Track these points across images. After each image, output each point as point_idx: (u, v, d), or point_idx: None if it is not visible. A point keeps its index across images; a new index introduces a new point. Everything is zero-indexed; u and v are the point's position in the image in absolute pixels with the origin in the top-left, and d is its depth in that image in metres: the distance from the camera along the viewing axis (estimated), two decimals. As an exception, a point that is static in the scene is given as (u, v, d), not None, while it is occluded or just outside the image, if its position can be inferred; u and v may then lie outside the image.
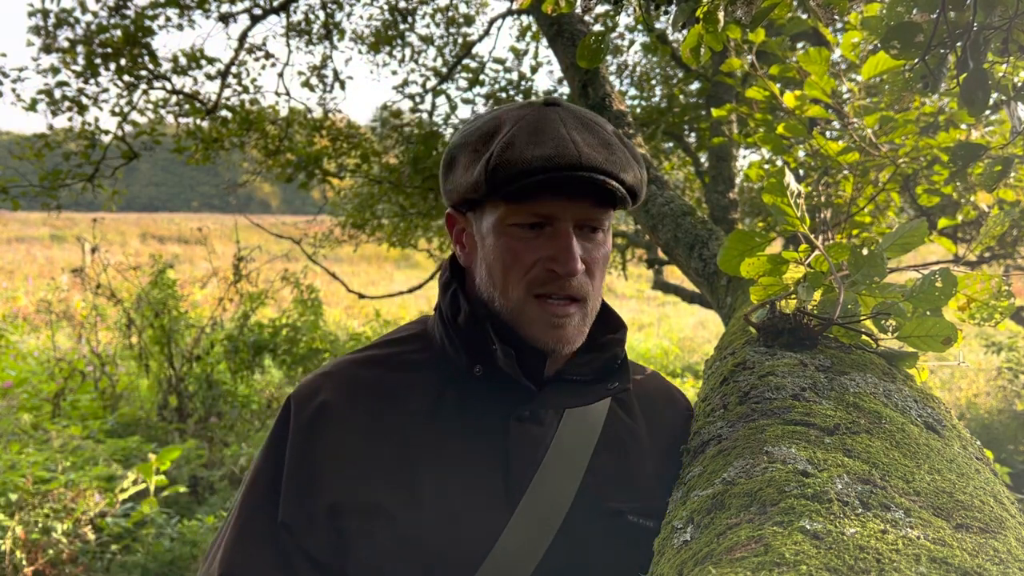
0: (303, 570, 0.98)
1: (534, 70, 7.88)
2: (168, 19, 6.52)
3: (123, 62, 6.29)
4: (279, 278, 8.19)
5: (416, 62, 8.05)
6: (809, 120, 2.70)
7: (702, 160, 6.59)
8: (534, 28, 7.20)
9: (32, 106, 6.20)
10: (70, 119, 6.45)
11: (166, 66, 6.55)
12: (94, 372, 7.16)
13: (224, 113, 6.98)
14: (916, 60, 1.28)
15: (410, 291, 8.64)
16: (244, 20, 6.95)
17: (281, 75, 7.44)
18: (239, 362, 7.38)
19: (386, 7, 7.59)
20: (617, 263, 8.50)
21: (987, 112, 2.62)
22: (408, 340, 1.14)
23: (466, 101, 7.87)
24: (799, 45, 4.63)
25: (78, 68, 6.23)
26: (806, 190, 3.06)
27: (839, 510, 0.69)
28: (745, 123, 3.56)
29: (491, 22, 7.68)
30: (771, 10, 1.78)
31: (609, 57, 6.89)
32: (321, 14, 7.36)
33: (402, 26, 7.71)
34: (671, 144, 7.09)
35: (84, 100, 6.40)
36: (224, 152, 7.37)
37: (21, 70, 6.17)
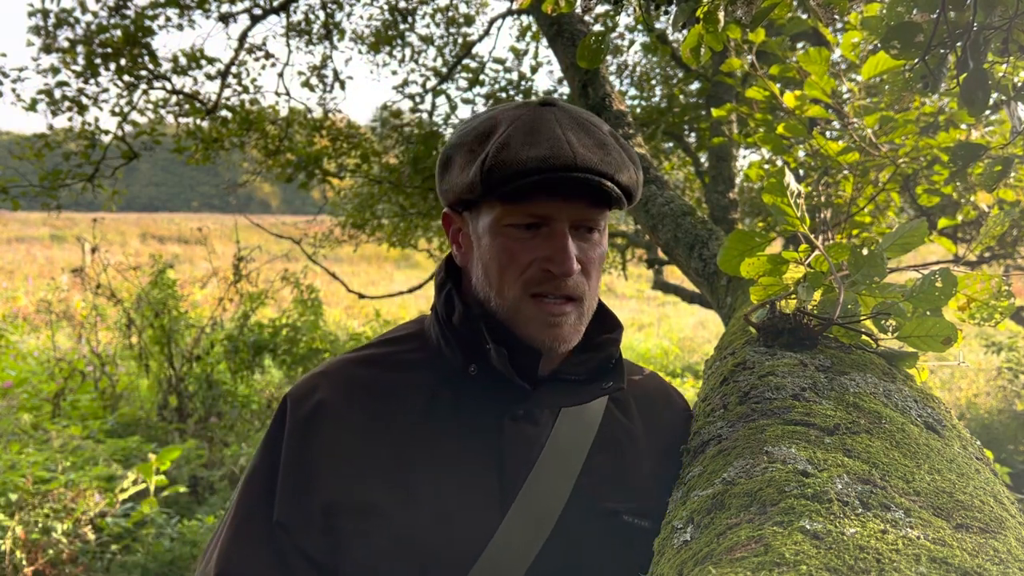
0: (299, 569, 0.99)
1: (534, 70, 7.89)
2: (168, 19, 6.52)
3: (123, 62, 6.29)
4: (279, 278, 8.19)
5: (416, 62, 8.06)
6: (809, 120, 2.70)
7: (702, 160, 6.60)
8: (534, 28, 7.21)
9: (32, 106, 6.21)
10: (70, 119, 6.46)
11: (166, 66, 6.56)
12: (94, 372, 7.16)
13: (224, 113, 6.98)
14: (916, 60, 1.28)
15: (410, 291, 8.64)
16: (244, 20, 6.96)
17: (281, 75, 7.45)
18: (239, 362, 7.38)
19: (386, 7, 7.60)
20: (617, 263, 8.50)
21: (987, 112, 2.62)
22: (405, 340, 1.14)
23: (466, 101, 7.88)
24: (799, 45, 4.63)
25: (78, 68, 6.23)
26: (806, 190, 3.06)
27: (839, 510, 0.69)
28: (745, 123, 3.56)
29: (491, 22, 7.69)
30: (771, 10, 1.78)
31: (609, 57, 6.89)
32: (321, 14, 7.37)
33: (402, 26, 7.71)
34: (671, 144, 7.09)
35: (84, 100, 6.41)
36: (224, 152, 7.37)
37: (21, 70, 6.17)
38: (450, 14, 7.84)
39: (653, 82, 7.39)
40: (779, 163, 3.11)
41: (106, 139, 6.53)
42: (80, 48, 6.19)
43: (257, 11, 6.88)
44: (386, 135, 8.29)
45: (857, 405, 0.94)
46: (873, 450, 0.82)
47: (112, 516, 4.41)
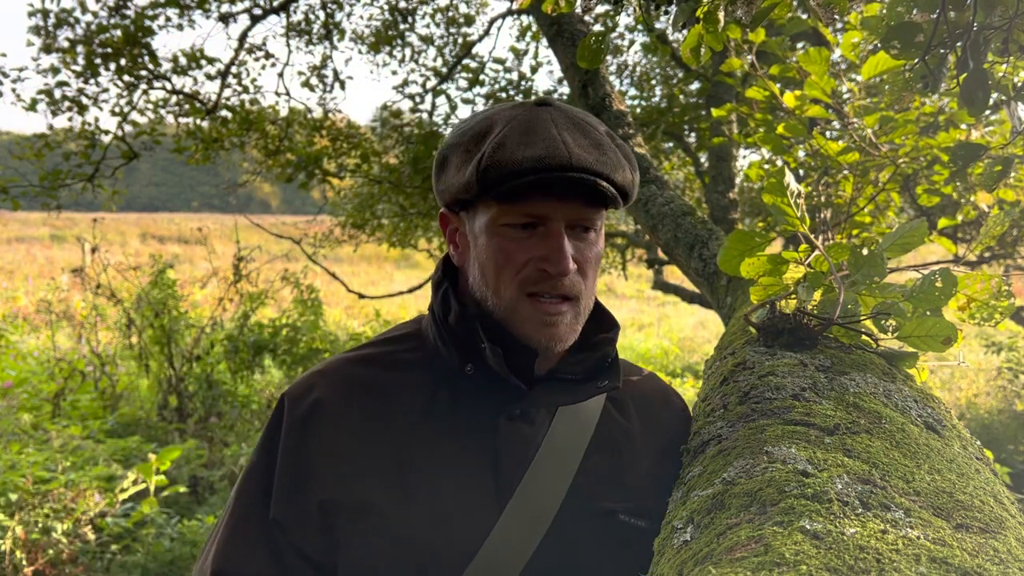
0: (295, 567, 0.99)
1: (534, 70, 7.89)
2: (168, 19, 6.52)
3: (123, 62, 6.29)
4: (279, 278, 8.19)
5: (416, 62, 8.06)
6: (809, 120, 2.70)
7: (702, 160, 6.60)
8: (534, 28, 7.21)
9: (32, 106, 6.21)
10: (70, 119, 6.46)
11: (166, 66, 6.56)
12: (94, 372, 7.16)
13: (224, 113, 6.99)
14: (916, 60, 1.28)
15: (410, 291, 8.64)
16: (244, 20, 6.96)
17: (281, 75, 7.45)
18: (239, 362, 7.38)
19: (386, 7, 7.60)
20: (617, 263, 8.51)
21: (987, 112, 2.62)
22: (402, 339, 1.15)
23: (466, 101, 7.88)
24: (799, 45, 4.63)
25: (78, 68, 6.23)
26: (806, 190, 3.06)
27: (839, 510, 0.69)
28: (745, 123, 3.56)
29: (491, 22, 7.70)
30: (771, 10, 1.78)
31: (609, 57, 6.89)
32: (321, 14, 7.37)
33: (402, 26, 7.71)
34: (671, 144, 7.09)
35: (84, 100, 6.41)
36: (224, 152, 7.37)
37: (21, 70, 6.17)
38: (450, 14, 7.85)
39: (653, 82, 7.40)
40: (779, 163, 3.11)
41: (106, 139, 6.54)
42: (80, 48, 6.19)
43: (257, 11, 6.88)
44: (386, 135, 8.30)
45: (857, 405, 0.94)
46: (873, 450, 0.82)
47: (112, 516, 4.41)
